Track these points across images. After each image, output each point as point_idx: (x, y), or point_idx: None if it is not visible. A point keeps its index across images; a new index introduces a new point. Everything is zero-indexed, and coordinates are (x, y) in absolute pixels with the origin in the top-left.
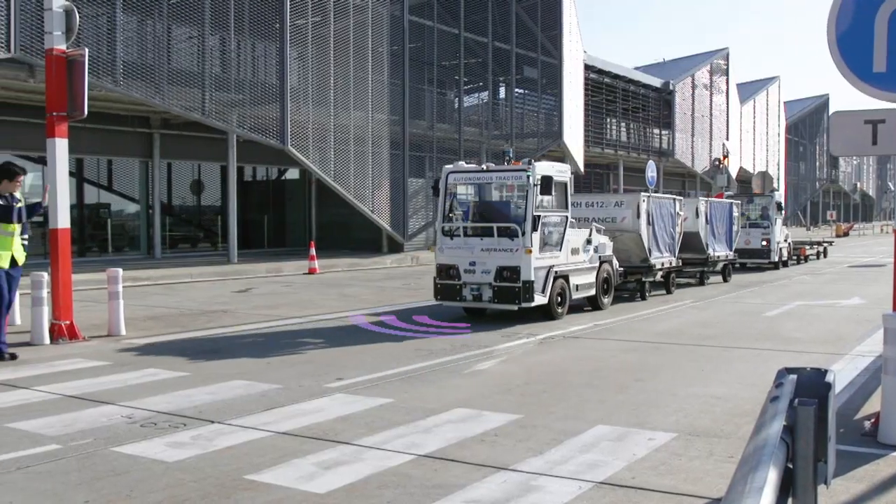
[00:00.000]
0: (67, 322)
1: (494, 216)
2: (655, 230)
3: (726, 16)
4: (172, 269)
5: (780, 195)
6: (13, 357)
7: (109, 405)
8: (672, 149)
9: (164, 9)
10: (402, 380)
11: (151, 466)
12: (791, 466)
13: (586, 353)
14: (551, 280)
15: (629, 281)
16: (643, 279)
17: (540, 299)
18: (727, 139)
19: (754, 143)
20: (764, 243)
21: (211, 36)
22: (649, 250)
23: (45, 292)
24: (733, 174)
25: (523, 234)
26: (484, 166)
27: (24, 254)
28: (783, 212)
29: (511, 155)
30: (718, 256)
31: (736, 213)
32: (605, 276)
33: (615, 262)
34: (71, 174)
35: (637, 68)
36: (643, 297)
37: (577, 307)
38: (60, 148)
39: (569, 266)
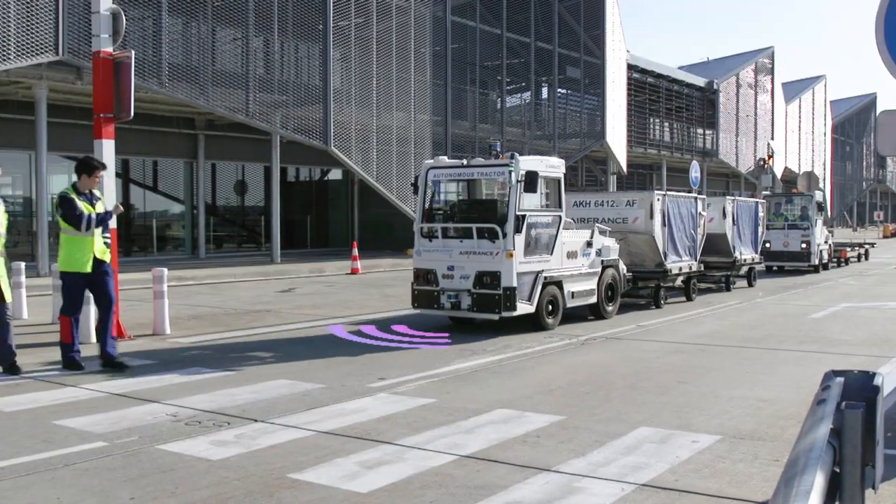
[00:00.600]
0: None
1: (476, 216)
2: (673, 232)
3: (771, 14)
4: (216, 269)
5: (820, 194)
6: (81, 367)
7: (155, 403)
8: (716, 149)
9: (208, 11)
10: (445, 380)
11: (196, 464)
12: (838, 471)
13: (629, 354)
14: (539, 287)
15: (643, 287)
16: (659, 285)
17: (525, 308)
18: (772, 139)
19: (800, 143)
20: (803, 245)
21: (255, 37)
22: (664, 254)
23: None
24: (778, 174)
25: (504, 235)
26: (463, 161)
27: (108, 250)
28: (824, 212)
29: (498, 149)
30: (745, 259)
31: (762, 214)
32: (610, 282)
33: (622, 266)
34: (117, 175)
35: (681, 68)
36: (657, 305)
37: (581, 316)
38: (107, 149)
39: (563, 271)
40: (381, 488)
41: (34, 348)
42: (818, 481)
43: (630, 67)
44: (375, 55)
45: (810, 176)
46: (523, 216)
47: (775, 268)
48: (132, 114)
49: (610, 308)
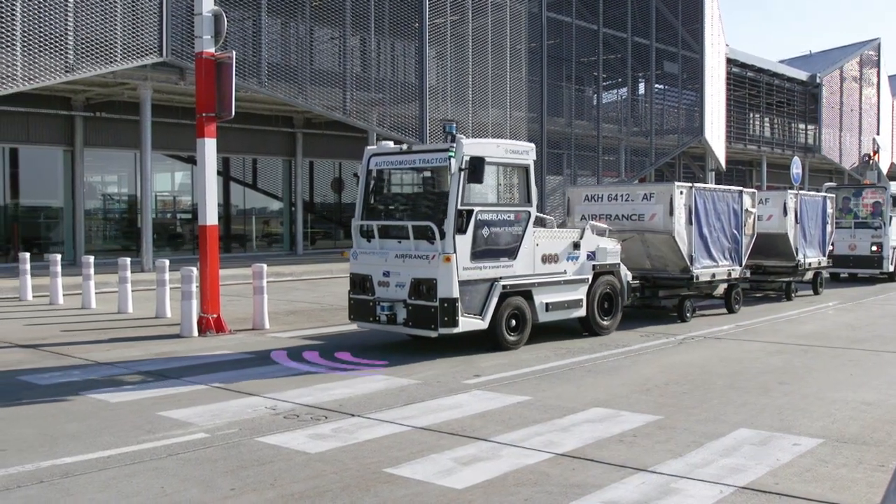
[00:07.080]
0: (215, 315)
1: (418, 212)
2: (703, 231)
3: (878, 4)
4: (313, 265)
5: None
6: None
7: (254, 396)
8: (818, 144)
9: (306, 11)
10: (540, 378)
11: (294, 457)
12: None
13: (728, 354)
14: (495, 298)
15: (668, 296)
16: (684, 294)
17: (474, 323)
18: (878, 134)
19: None
20: (874, 248)
21: (352, 36)
22: (691, 257)
23: (194, 286)
24: (884, 170)
25: (443, 235)
26: (403, 146)
27: None
28: None
29: (453, 130)
30: (809, 263)
31: (830, 210)
32: (606, 291)
33: (624, 272)
34: (218, 173)
35: (782, 61)
36: (682, 319)
37: (574, 332)
38: (209, 148)
39: (533, 279)
40: (476, 485)
41: (139, 341)
42: None
43: (729, 62)
44: (471, 52)
45: None
46: (469, 211)
47: (844, 275)
48: (233, 113)
49: (606, 322)
